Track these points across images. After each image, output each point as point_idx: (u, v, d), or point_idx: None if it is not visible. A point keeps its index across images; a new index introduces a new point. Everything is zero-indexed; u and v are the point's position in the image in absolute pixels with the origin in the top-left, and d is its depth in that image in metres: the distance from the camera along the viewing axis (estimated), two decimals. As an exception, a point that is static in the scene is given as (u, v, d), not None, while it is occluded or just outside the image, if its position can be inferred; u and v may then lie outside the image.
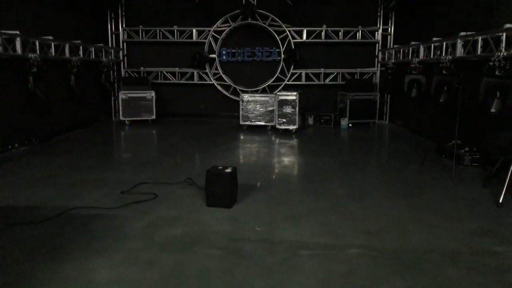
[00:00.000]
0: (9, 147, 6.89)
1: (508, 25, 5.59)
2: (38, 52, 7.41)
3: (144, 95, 10.43)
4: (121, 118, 10.35)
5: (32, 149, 7.30)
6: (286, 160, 7.17)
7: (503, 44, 5.61)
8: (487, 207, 4.54)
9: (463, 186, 5.33)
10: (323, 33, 10.99)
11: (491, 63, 5.51)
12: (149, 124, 10.45)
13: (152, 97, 10.45)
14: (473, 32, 6.50)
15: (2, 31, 6.57)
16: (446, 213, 4.36)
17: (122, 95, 10.28)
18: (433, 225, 4.01)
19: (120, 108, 10.33)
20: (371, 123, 10.58)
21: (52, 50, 8.05)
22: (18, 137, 7.13)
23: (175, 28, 11.22)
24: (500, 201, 4.51)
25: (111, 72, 11.19)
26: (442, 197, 4.91)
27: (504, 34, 5.62)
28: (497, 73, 5.42)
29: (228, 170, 4.49)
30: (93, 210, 4.31)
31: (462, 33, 6.79)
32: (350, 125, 10.22)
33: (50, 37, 7.96)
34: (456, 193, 5.07)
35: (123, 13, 11.37)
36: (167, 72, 11.52)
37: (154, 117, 10.50)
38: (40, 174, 5.76)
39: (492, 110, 5.50)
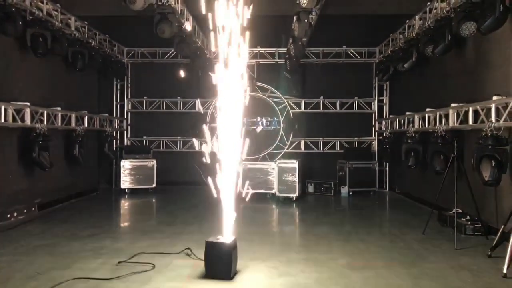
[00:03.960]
0: (8, 216, 6.86)
1: (495, 97, 5.84)
2: (45, 122, 7.61)
3: (145, 163, 10.55)
4: (122, 186, 10.35)
5: (31, 218, 7.25)
6: (286, 229, 7.11)
7: (493, 115, 5.79)
8: (491, 278, 4.44)
9: (466, 256, 5.23)
10: (320, 104, 11.43)
11: (484, 133, 5.66)
12: (149, 192, 10.43)
13: (153, 165, 10.57)
14: (464, 104, 6.75)
15: (13, 102, 6.83)
16: (450, 283, 4.26)
17: (123, 163, 10.41)
18: (437, 297, 3.91)
19: (121, 176, 10.39)
20: (371, 191, 10.59)
21: (59, 120, 8.27)
22: (18, 206, 7.11)
23: (179, 99, 11.67)
24: (504, 271, 4.43)
25: (114, 141, 11.41)
26: (446, 267, 4.82)
27: (494, 105, 5.83)
28: (489, 142, 5.56)
29: (228, 241, 4.46)
30: (90, 282, 4.21)
31: (454, 104, 7.05)
32: (350, 193, 10.24)
33: (58, 108, 8.22)
34: (459, 263, 4.97)
35: (129, 84, 11.88)
36: (168, 141, 11.77)
37: (154, 185, 10.52)
38: (38, 243, 5.70)
39: (489, 179, 5.55)
